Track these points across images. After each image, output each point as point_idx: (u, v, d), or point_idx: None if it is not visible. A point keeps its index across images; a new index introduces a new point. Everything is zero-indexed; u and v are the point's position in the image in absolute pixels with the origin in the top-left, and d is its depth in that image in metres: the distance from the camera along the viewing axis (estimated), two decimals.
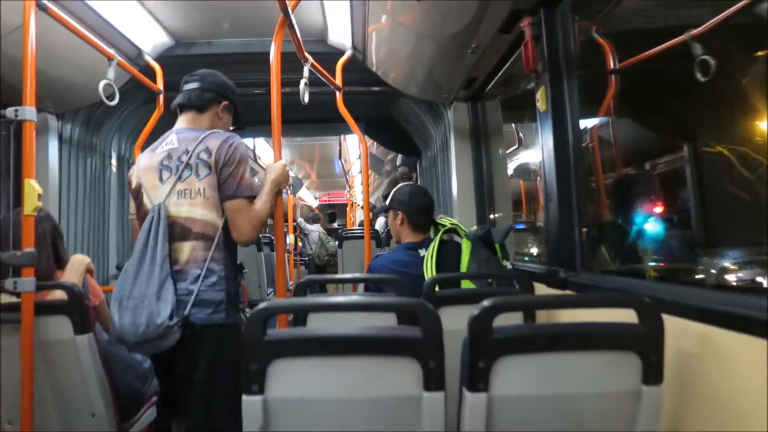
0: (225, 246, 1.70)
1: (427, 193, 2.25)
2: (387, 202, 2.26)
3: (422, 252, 2.06)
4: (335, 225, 13.64)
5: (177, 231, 1.66)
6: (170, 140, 1.75)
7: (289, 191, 5.25)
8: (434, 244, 2.00)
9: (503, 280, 1.96)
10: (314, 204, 13.08)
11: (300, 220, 7.54)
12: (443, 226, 2.11)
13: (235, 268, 1.76)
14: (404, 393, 1.02)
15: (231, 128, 1.94)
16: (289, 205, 5.36)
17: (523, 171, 3.76)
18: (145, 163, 1.76)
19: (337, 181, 11.38)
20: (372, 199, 10.94)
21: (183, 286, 1.62)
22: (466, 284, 1.90)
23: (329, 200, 13.77)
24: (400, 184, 2.27)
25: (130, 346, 1.61)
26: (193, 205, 1.66)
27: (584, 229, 1.80)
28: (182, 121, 1.83)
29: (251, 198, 1.70)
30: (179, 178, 1.67)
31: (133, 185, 1.78)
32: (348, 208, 10.35)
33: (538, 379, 1.02)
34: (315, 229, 6.78)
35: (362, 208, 5.62)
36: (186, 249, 1.66)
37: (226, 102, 1.86)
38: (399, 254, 2.11)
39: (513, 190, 3.77)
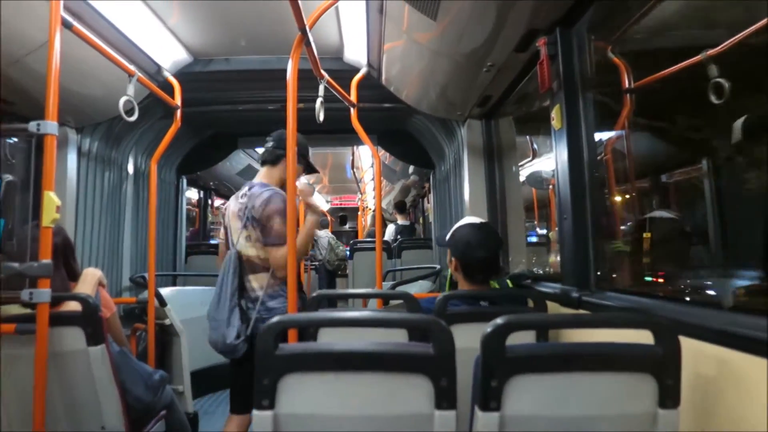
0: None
1: (494, 241, 1.91)
2: (447, 237, 1.99)
3: (483, 304, 1.86)
4: (347, 227, 13.89)
5: (247, 267, 2.19)
6: (245, 192, 2.23)
7: (300, 199, 5.29)
8: None
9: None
10: (325, 207, 13.19)
11: None
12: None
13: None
14: (415, 411, 1.01)
15: (303, 174, 2.45)
16: (301, 211, 5.40)
17: (536, 179, 3.72)
18: (231, 209, 2.27)
19: (349, 186, 11.42)
20: (383, 204, 10.99)
21: (253, 305, 2.18)
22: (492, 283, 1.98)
23: (341, 203, 13.90)
24: (461, 222, 1.99)
25: (218, 352, 2.15)
26: (254, 247, 2.18)
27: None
28: (259, 175, 2.31)
29: (278, 245, 2.14)
30: (244, 226, 2.18)
31: (225, 222, 2.29)
32: (359, 213, 10.40)
33: (552, 400, 1.01)
34: (324, 235, 6.76)
35: (374, 216, 5.60)
36: (253, 279, 2.18)
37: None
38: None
39: (525, 196, 3.73)
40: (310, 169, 2.44)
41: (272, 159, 2.29)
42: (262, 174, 2.30)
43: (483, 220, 2.00)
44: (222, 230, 2.34)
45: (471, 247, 1.87)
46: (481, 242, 1.87)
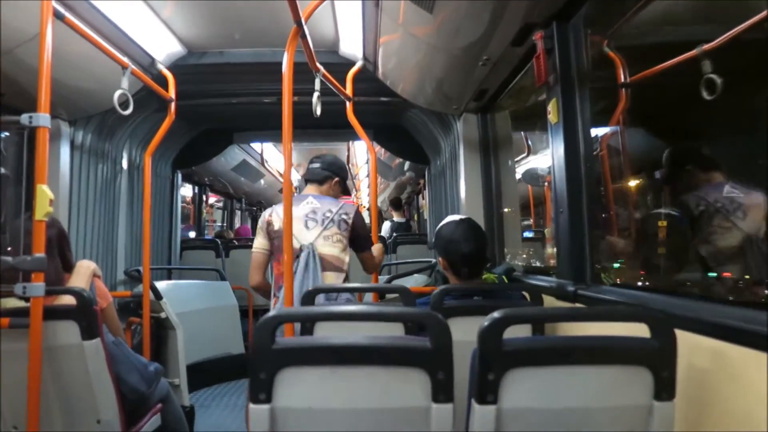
0: (348, 274, 2.38)
1: (475, 235, 1.92)
2: (434, 239, 2.04)
3: (476, 299, 1.87)
4: None
5: (322, 264, 2.30)
6: (310, 201, 2.40)
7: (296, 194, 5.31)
8: None
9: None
10: None
11: None
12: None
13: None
14: (412, 404, 1.02)
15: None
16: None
17: (532, 176, 3.74)
18: (296, 214, 2.30)
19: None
20: (378, 202, 11.00)
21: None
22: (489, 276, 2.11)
23: None
24: (444, 221, 2.01)
25: None
26: (333, 247, 2.33)
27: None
28: (311, 190, 2.50)
29: (370, 250, 2.51)
30: (324, 228, 2.33)
31: (275, 227, 2.36)
32: None
33: (548, 393, 1.01)
34: None
35: (369, 210, 5.61)
36: (328, 276, 2.31)
37: (338, 179, 2.52)
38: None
39: (521, 193, 3.74)
40: (345, 191, 2.65)
41: (319, 179, 2.50)
42: (312, 189, 2.50)
43: (464, 216, 2.00)
44: (262, 239, 2.42)
45: (453, 242, 1.89)
46: (462, 237, 1.89)
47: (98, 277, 2.03)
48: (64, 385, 1.75)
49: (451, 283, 1.94)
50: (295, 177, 8.19)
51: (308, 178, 2.55)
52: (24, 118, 1.57)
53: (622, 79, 1.96)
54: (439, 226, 2.00)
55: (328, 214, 2.37)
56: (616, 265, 2.05)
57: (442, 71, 2.57)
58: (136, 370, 1.98)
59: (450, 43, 2.22)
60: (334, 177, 2.53)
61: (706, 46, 1.62)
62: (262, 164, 7.07)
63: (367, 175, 8.14)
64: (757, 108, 1.71)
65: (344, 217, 2.39)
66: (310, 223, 2.36)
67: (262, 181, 8.12)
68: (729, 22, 1.57)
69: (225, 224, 9.34)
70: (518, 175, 3.57)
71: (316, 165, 2.55)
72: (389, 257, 5.49)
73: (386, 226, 6.97)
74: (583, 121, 1.82)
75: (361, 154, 7.42)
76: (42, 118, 1.58)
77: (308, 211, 2.38)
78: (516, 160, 3.58)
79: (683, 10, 1.94)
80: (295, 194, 2.36)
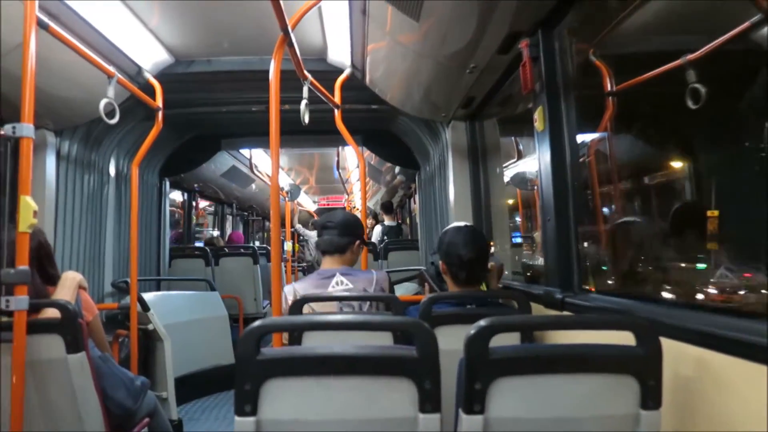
0: None
1: (475, 241, 1.91)
2: (436, 246, 2.04)
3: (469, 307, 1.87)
4: None
5: None
6: (339, 280, 2.11)
7: (287, 198, 5.31)
8: None
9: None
10: (312, 208, 13.19)
11: (298, 226, 7.48)
12: None
13: None
14: (399, 414, 1.01)
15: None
16: (287, 211, 5.41)
17: (520, 180, 3.74)
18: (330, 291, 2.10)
19: (336, 186, 11.45)
20: (370, 204, 11.04)
21: None
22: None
23: (327, 204, 13.91)
24: (448, 227, 2.03)
25: None
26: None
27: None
28: (334, 263, 2.19)
29: None
30: (360, 308, 2.07)
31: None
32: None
33: (535, 402, 1.01)
34: (314, 235, 6.74)
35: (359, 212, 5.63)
36: None
37: (358, 241, 2.24)
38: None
39: (510, 195, 3.74)
40: (364, 243, 2.44)
41: (340, 250, 2.20)
42: (334, 263, 2.20)
43: (468, 223, 2.00)
44: None
45: (453, 246, 1.89)
46: (463, 242, 1.89)
47: (84, 289, 2.00)
48: (48, 400, 1.71)
49: (449, 288, 1.94)
50: (286, 181, 8.17)
51: (325, 250, 2.24)
52: (7, 129, 1.55)
53: (609, 88, 1.98)
54: (442, 232, 2.01)
55: (366, 287, 2.12)
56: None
57: (430, 79, 2.58)
58: (122, 385, 1.95)
59: (437, 51, 2.24)
60: (354, 241, 2.24)
61: (690, 56, 1.63)
62: (252, 170, 7.05)
63: (358, 179, 8.15)
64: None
65: (380, 293, 2.13)
66: (346, 309, 2.07)
67: (253, 186, 8.09)
68: (714, 32, 1.58)
69: (215, 228, 9.29)
70: (506, 179, 3.57)
71: (332, 234, 2.21)
72: (380, 264, 5.47)
73: (377, 230, 6.96)
74: (569, 128, 1.83)
75: (351, 158, 7.42)
76: (25, 128, 1.56)
77: (340, 292, 2.09)
78: (505, 164, 3.59)
79: (667, 19, 1.96)
80: (318, 270, 2.20)
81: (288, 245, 4.47)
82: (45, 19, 1.75)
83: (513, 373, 1.00)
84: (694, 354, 1.07)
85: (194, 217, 8.24)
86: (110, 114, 2.19)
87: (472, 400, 0.99)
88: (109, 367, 1.92)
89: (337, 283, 2.10)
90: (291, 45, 1.90)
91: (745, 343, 0.95)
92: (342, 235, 2.20)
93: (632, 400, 1.00)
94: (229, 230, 9.15)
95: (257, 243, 10.90)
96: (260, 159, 7.03)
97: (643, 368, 1.00)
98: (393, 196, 9.02)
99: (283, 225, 5.26)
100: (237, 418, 1.00)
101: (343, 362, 1.01)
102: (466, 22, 1.91)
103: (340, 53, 2.97)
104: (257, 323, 1.03)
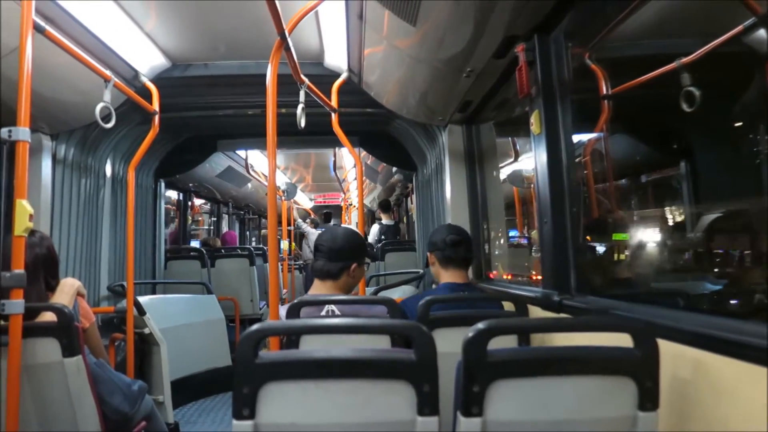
0: None
1: (459, 230, 2.10)
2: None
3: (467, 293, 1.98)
4: (331, 224, 13.99)
5: None
6: (333, 314, 1.83)
7: (283, 198, 5.30)
8: None
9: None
10: (309, 205, 13.20)
11: (299, 221, 7.47)
12: None
13: None
14: (398, 418, 1.01)
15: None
16: (284, 210, 5.38)
17: (517, 178, 3.74)
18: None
19: (332, 185, 11.46)
20: (366, 201, 11.08)
21: None
22: None
23: (324, 201, 13.90)
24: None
25: None
26: None
27: None
28: (326, 289, 1.95)
29: None
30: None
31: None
32: (343, 211, 10.51)
33: (533, 404, 1.01)
34: (314, 232, 6.70)
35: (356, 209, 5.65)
36: None
37: (355, 264, 1.96)
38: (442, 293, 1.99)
39: (506, 193, 3.74)
40: (368, 258, 2.33)
41: (332, 275, 1.95)
42: (326, 289, 1.97)
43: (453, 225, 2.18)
44: None
45: (438, 234, 2.10)
46: (447, 230, 2.10)
47: (82, 296, 1.99)
48: (44, 404, 1.71)
49: (441, 279, 2.03)
50: (282, 179, 8.15)
51: (316, 276, 2.00)
52: (3, 132, 1.55)
53: (604, 91, 1.99)
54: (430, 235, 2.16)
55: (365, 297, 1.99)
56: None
57: (426, 83, 2.58)
58: (119, 390, 1.94)
59: (433, 55, 2.24)
60: (351, 264, 1.96)
61: (684, 60, 1.65)
62: (248, 170, 7.04)
63: (355, 178, 8.14)
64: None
65: None
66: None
67: (249, 185, 8.07)
68: (706, 36, 1.60)
69: (211, 227, 9.26)
70: (503, 176, 3.58)
71: (323, 259, 1.95)
72: (377, 265, 5.46)
73: (374, 229, 6.93)
74: (565, 132, 1.84)
75: (348, 159, 7.42)
76: (21, 132, 1.56)
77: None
78: (502, 165, 3.60)
79: (661, 24, 1.98)
80: (308, 296, 1.95)
81: (284, 244, 4.46)
82: (42, 22, 1.75)
83: (511, 376, 1.00)
84: (691, 355, 1.08)
85: (189, 217, 8.21)
86: (106, 118, 2.18)
87: (470, 403, 0.99)
88: (105, 372, 1.91)
89: (327, 313, 1.86)
90: (288, 49, 1.90)
91: (743, 345, 0.95)
92: (335, 260, 1.95)
93: (630, 401, 1.00)
94: (225, 229, 9.11)
95: (254, 243, 10.87)
96: (256, 159, 7.01)
97: (640, 370, 1.00)
98: (390, 194, 9.00)
99: (279, 224, 5.26)
100: (235, 422, 0.99)
101: (342, 365, 1.01)
102: (463, 26, 1.92)
103: (336, 57, 2.97)
104: (256, 327, 1.02)
